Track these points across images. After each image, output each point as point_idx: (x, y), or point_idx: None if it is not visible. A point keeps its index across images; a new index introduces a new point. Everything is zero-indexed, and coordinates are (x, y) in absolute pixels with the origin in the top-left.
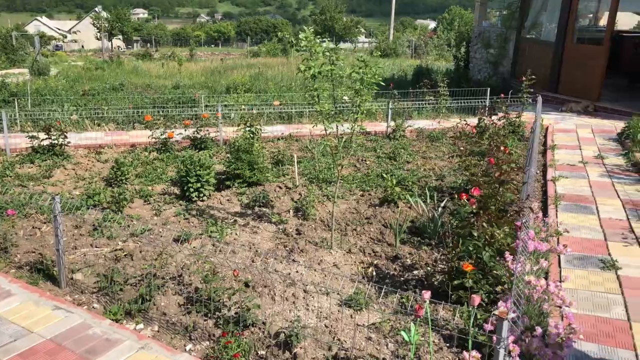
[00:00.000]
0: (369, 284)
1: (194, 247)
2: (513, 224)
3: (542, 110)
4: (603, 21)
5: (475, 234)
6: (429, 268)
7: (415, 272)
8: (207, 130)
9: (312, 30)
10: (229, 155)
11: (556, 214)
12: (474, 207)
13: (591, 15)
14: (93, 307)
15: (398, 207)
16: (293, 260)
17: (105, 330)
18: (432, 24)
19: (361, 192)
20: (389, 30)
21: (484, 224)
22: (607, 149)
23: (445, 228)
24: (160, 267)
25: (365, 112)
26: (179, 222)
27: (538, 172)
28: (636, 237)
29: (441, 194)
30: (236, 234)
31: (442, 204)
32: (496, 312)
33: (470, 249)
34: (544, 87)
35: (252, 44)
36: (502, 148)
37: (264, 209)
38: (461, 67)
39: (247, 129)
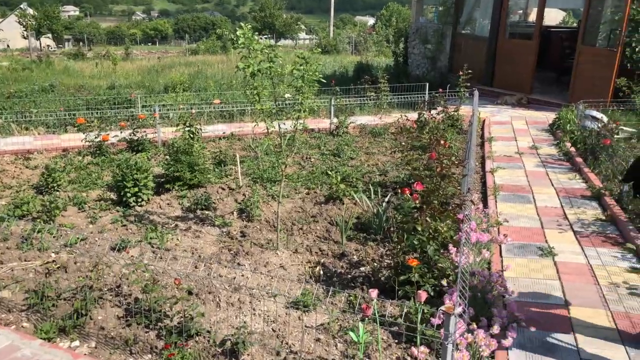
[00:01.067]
0: (316, 284)
1: (132, 255)
2: (455, 217)
3: (478, 103)
4: (532, 17)
5: (420, 229)
6: (375, 264)
7: (362, 268)
8: (145, 132)
9: (250, 26)
10: (167, 157)
11: (496, 204)
12: (417, 202)
13: (521, 11)
14: (22, 326)
15: (343, 203)
16: (238, 264)
17: (35, 351)
18: (371, 21)
19: (307, 190)
20: (329, 27)
21: (428, 218)
22: (540, 140)
23: (390, 223)
24: (97, 279)
25: (307, 109)
26: (117, 229)
27: (477, 164)
28: (570, 223)
29: (385, 189)
30: (177, 239)
31: (386, 199)
32: (443, 308)
33: (415, 243)
34: (479, 81)
35: (191, 41)
36: (442, 142)
37: (207, 212)
38: (400, 63)
39: (187, 129)
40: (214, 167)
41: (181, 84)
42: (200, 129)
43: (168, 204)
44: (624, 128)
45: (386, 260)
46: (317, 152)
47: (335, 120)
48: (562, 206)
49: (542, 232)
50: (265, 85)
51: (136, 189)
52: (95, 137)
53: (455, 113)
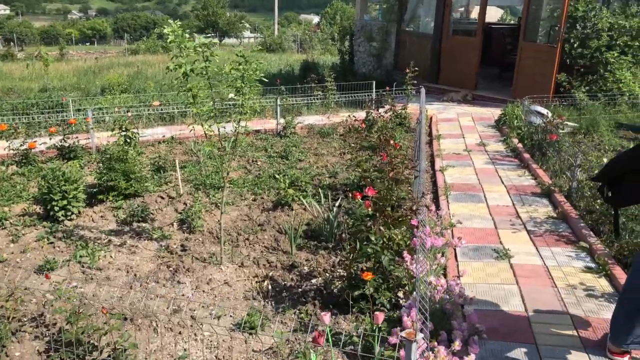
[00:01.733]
0: (264, 301)
1: (55, 281)
2: (409, 222)
3: (425, 100)
4: (474, 14)
5: (373, 238)
6: (327, 274)
7: (314, 280)
8: (77, 137)
9: (179, 23)
10: (101, 165)
11: (447, 205)
12: (369, 209)
13: (462, 8)
14: None
15: (293, 209)
16: (178, 282)
17: None
18: (315, 19)
19: (253, 196)
20: (273, 26)
21: (381, 227)
22: (487, 136)
23: (341, 229)
24: (15, 309)
25: (249, 111)
26: (42, 247)
27: (426, 162)
28: (523, 222)
29: (335, 192)
30: (111, 256)
31: (337, 204)
32: (403, 334)
33: (369, 251)
34: (425, 78)
35: (131, 41)
36: (392, 142)
37: (144, 224)
38: (346, 61)
39: (122, 133)
40: (152, 174)
41: (119, 85)
42: (138, 133)
43: (102, 216)
44: (568, 123)
45: (339, 270)
46: (263, 155)
47: (281, 120)
48: (513, 204)
49: (495, 232)
50: (201, 86)
51: (65, 202)
52: (21, 145)
53: (403, 111)
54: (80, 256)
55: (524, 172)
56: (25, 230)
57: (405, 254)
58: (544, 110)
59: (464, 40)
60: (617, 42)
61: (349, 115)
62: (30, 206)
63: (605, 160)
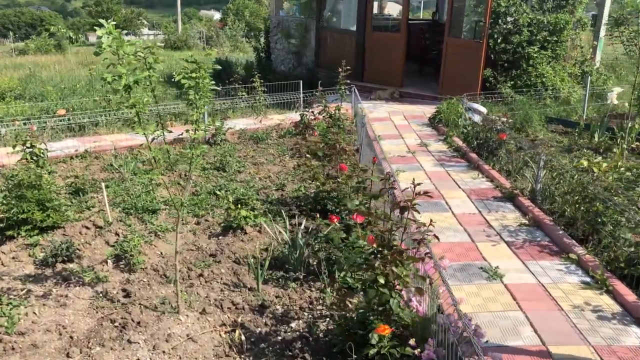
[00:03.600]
0: (241, 358)
1: None
2: (415, 257)
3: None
4: (387, 10)
5: (382, 281)
6: (306, 314)
7: (293, 324)
8: None
9: (114, 23)
10: (6, 193)
11: (413, 216)
12: (374, 245)
13: (376, 3)
14: None
15: (246, 233)
16: (129, 342)
17: None
18: (216, 15)
19: (195, 219)
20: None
21: (393, 268)
22: (425, 135)
23: (307, 254)
24: None
25: (203, 128)
26: None
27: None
28: (497, 233)
29: (288, 207)
30: (35, 312)
31: (301, 226)
32: None
33: (372, 295)
34: (349, 77)
35: (16, 39)
36: (346, 149)
37: (71, 265)
38: (263, 59)
39: (27, 150)
40: (69, 198)
41: (11, 90)
42: (46, 149)
43: (13, 257)
44: (502, 118)
45: (318, 308)
46: (197, 167)
47: (211, 127)
48: (479, 211)
49: (474, 246)
50: (146, 101)
51: None
52: None
53: (337, 112)
54: None
55: (477, 174)
56: None
57: (411, 296)
58: (482, 108)
59: (388, 36)
60: (537, 37)
61: (285, 118)
62: None
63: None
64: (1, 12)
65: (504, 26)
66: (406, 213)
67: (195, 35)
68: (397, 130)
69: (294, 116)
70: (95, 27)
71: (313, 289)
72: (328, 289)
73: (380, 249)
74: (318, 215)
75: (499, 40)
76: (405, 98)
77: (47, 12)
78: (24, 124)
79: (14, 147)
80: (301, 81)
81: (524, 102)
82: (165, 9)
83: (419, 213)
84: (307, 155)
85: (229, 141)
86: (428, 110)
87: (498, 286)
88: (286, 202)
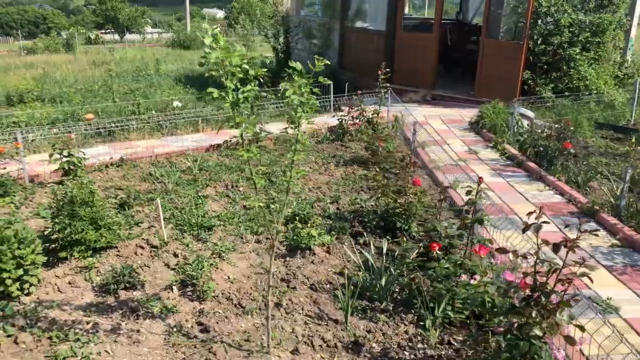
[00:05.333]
0: None
1: None
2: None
3: (383, 102)
4: (406, 9)
5: (539, 332)
6: (407, 353)
7: None
8: (4, 167)
9: (217, 28)
10: (56, 210)
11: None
12: (527, 291)
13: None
14: None
15: (315, 254)
16: None
17: None
18: (219, 13)
19: (255, 237)
20: (180, 20)
21: (549, 321)
22: (471, 142)
23: (391, 282)
24: None
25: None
26: None
27: (426, 177)
28: (590, 255)
29: (349, 223)
30: (107, 351)
31: (383, 249)
32: None
33: (525, 348)
34: (377, 78)
35: (18, 37)
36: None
37: (135, 293)
38: (281, 59)
39: (65, 159)
40: (115, 214)
41: (28, 92)
42: (84, 158)
43: (70, 282)
44: (548, 124)
45: (420, 347)
46: (239, 176)
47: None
48: (560, 230)
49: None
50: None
51: (20, 271)
52: None
53: (376, 117)
54: (64, 358)
55: (544, 187)
56: None
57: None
58: (530, 113)
59: (419, 37)
60: (579, 39)
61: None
62: None
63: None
64: (4, 10)
65: (544, 27)
66: (563, 251)
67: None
68: (438, 135)
69: (327, 120)
70: (99, 26)
71: (406, 322)
72: (428, 323)
73: (538, 293)
74: (387, 235)
75: (538, 42)
76: (437, 101)
77: (50, 10)
78: (50, 129)
79: (50, 156)
80: (332, 83)
81: (569, 107)
82: (168, 7)
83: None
84: (352, 160)
85: (266, 147)
86: (466, 113)
87: (616, 320)
88: (344, 216)
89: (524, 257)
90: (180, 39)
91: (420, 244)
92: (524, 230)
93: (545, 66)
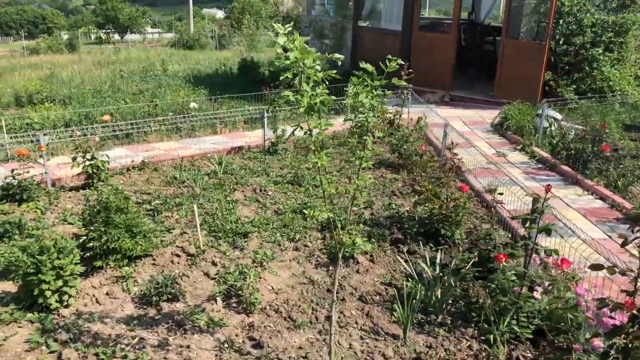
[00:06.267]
0: None
1: None
2: None
3: (401, 103)
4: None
5: None
6: None
7: None
8: (27, 171)
9: (289, 28)
10: (88, 216)
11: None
12: (634, 311)
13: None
14: None
15: (358, 262)
16: None
17: None
18: (219, 13)
19: (292, 244)
20: (180, 20)
21: None
22: (496, 144)
23: (448, 294)
24: None
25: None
26: None
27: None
28: None
29: (388, 230)
30: None
31: (437, 259)
32: None
33: None
34: (392, 79)
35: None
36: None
37: (177, 305)
38: None
39: (88, 162)
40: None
41: (38, 92)
42: (108, 161)
43: (107, 293)
44: (573, 125)
45: None
46: (267, 180)
47: (270, 133)
48: (609, 237)
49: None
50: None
51: (60, 282)
52: None
53: (398, 118)
54: None
55: (582, 191)
56: (3, 329)
57: None
58: (557, 115)
59: (436, 37)
60: (602, 39)
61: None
62: None
63: None
64: (3, 10)
65: (566, 27)
66: None
67: (208, 35)
68: (462, 137)
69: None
70: (99, 26)
71: (467, 337)
72: (492, 338)
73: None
74: (429, 242)
75: (560, 42)
76: (456, 102)
77: (49, 10)
78: (72, 131)
79: (73, 159)
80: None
81: (594, 108)
82: (167, 7)
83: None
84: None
85: (289, 150)
86: (486, 115)
87: None
88: (380, 222)
89: (623, 273)
90: (183, 39)
91: (475, 253)
92: (623, 245)
93: (567, 67)
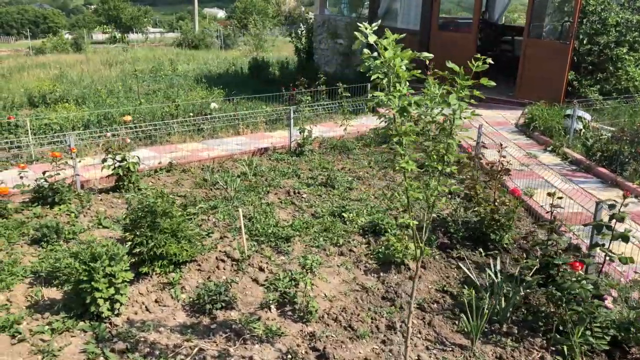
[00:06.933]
0: None
1: None
2: None
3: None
4: None
5: None
6: None
7: None
8: (58, 173)
9: (375, 26)
10: (130, 221)
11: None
12: None
13: None
14: None
15: (409, 269)
16: None
17: None
18: (219, 13)
19: (336, 249)
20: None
21: None
22: (525, 145)
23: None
24: None
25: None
26: None
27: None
28: None
29: (433, 236)
30: None
31: (496, 267)
32: None
33: None
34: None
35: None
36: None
37: (232, 313)
38: (303, 59)
39: (118, 164)
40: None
41: (51, 92)
42: (138, 163)
43: (156, 300)
44: (604, 127)
45: None
46: (299, 183)
47: (297, 134)
48: None
49: None
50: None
51: (112, 290)
52: None
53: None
54: None
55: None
56: (57, 339)
57: None
58: (587, 115)
59: (456, 36)
60: (626, 38)
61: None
62: (34, 289)
63: None
64: (4, 10)
65: (590, 26)
66: None
67: (213, 34)
68: (489, 138)
69: (365, 122)
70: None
71: (536, 347)
72: (566, 349)
73: None
74: (478, 248)
75: (584, 41)
76: (477, 102)
77: (50, 10)
78: (88, 131)
79: (103, 161)
80: (369, 85)
81: (621, 109)
82: (167, 6)
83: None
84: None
85: (315, 151)
86: (509, 115)
87: None
88: (422, 227)
89: None
90: (188, 38)
91: (536, 260)
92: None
93: (590, 67)
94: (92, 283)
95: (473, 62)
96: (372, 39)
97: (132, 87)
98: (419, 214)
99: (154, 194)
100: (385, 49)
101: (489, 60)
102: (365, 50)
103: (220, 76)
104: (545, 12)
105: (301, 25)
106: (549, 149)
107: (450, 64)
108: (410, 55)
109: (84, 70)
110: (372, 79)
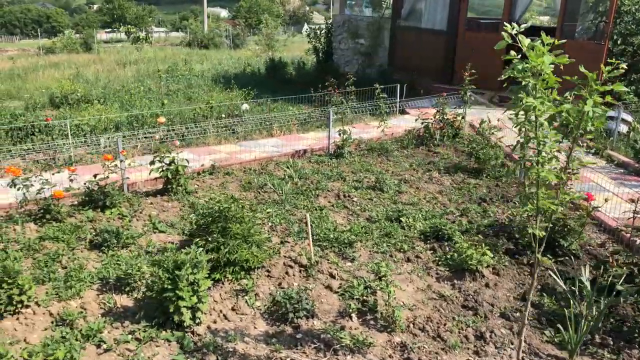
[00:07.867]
0: None
1: None
2: None
3: (444, 103)
4: None
5: None
6: None
7: None
8: (107, 176)
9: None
10: (196, 226)
11: None
12: None
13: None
14: None
15: (484, 276)
16: None
17: None
18: (222, 12)
19: (403, 256)
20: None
21: None
22: (563, 147)
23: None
24: None
25: None
26: None
27: None
28: None
29: (498, 240)
30: None
31: (585, 276)
32: None
33: None
34: (436, 79)
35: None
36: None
37: (315, 322)
38: (322, 59)
39: (166, 167)
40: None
41: (72, 93)
42: (187, 165)
43: (233, 308)
44: None
45: None
46: (347, 186)
47: (336, 136)
48: None
49: None
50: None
51: (195, 299)
52: (38, 192)
53: (460, 120)
54: None
55: None
56: (142, 349)
57: None
58: (629, 117)
59: (485, 37)
60: None
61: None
62: (107, 297)
63: None
64: (7, 9)
65: (624, 26)
66: None
67: (222, 34)
68: None
69: (397, 123)
70: (106, 25)
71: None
72: None
73: None
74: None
75: (617, 42)
76: (506, 103)
77: (53, 9)
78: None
79: (151, 163)
80: (397, 85)
81: None
82: (170, 6)
83: None
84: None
85: (353, 153)
86: None
87: None
88: (482, 231)
89: None
90: (197, 38)
91: (624, 268)
92: None
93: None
94: (177, 291)
95: (603, 67)
96: (525, 43)
97: (152, 88)
98: (474, 218)
99: (214, 197)
100: (542, 54)
101: (623, 66)
102: (512, 53)
103: (237, 76)
104: (578, 12)
105: (305, 24)
106: (591, 151)
107: (581, 69)
108: (565, 61)
109: (99, 70)
110: (523, 83)
